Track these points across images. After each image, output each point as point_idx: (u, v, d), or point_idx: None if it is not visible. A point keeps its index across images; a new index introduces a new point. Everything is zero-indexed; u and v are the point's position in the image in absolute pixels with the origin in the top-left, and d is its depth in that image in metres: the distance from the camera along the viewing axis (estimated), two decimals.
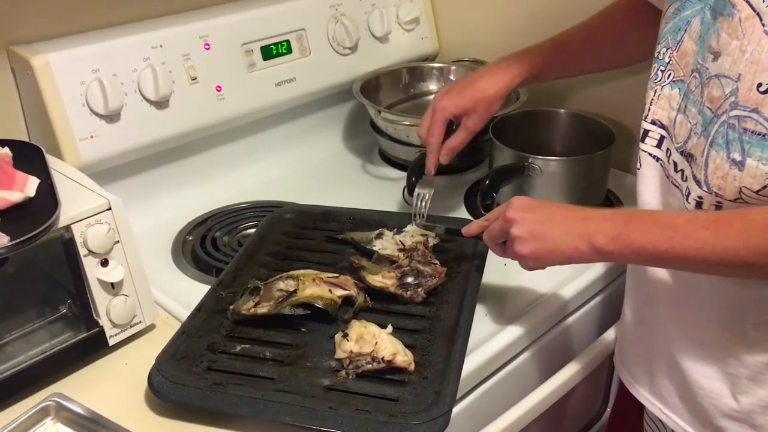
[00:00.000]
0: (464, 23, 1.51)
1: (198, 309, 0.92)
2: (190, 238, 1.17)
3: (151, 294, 0.93)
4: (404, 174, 1.20)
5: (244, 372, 0.82)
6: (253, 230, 1.15)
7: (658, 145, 0.82)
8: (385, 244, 1.03)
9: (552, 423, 1.12)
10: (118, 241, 0.87)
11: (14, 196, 0.80)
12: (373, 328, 0.85)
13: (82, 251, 0.84)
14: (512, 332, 0.95)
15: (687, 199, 0.75)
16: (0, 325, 0.84)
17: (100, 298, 0.87)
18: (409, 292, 0.94)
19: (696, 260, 0.71)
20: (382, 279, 0.95)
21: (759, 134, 0.67)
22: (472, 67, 1.46)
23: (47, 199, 0.83)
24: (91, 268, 0.85)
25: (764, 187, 0.68)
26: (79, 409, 0.78)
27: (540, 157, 1.14)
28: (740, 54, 0.68)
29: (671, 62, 0.80)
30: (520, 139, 1.21)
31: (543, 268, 0.84)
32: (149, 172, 1.21)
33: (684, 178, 0.76)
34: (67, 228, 0.83)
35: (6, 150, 0.88)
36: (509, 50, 1.09)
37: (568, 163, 1.17)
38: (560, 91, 1.38)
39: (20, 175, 0.84)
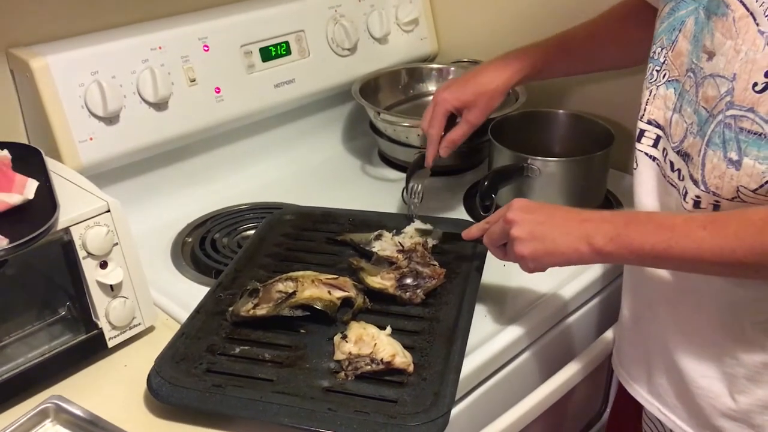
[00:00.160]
0: (463, 24, 1.51)
1: (197, 311, 0.92)
2: (190, 239, 1.17)
3: (150, 296, 0.93)
4: (403, 175, 1.20)
5: (243, 374, 0.82)
6: (252, 232, 1.15)
7: (655, 145, 0.82)
8: (384, 245, 1.03)
9: (552, 424, 1.12)
10: (117, 243, 0.87)
11: (13, 199, 0.80)
12: (372, 329, 0.85)
13: (81, 253, 0.84)
14: (512, 333, 0.95)
15: (684, 199, 0.75)
16: None
17: (99, 300, 0.87)
18: (408, 293, 0.94)
19: (694, 260, 0.71)
20: (381, 280, 0.95)
21: (755, 133, 0.67)
22: (471, 68, 1.46)
23: (46, 201, 0.83)
24: (90, 270, 0.85)
25: (761, 186, 0.68)
26: (78, 411, 0.78)
27: (539, 158, 1.14)
28: (735, 54, 0.68)
29: (666, 62, 0.80)
30: (519, 140, 1.21)
31: (543, 269, 0.84)
32: (148, 174, 1.21)
33: (681, 178, 0.76)
34: (66, 230, 0.83)
35: (5, 152, 0.88)
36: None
37: (567, 164, 1.17)
38: (559, 91, 1.38)
39: (19, 177, 0.84)
